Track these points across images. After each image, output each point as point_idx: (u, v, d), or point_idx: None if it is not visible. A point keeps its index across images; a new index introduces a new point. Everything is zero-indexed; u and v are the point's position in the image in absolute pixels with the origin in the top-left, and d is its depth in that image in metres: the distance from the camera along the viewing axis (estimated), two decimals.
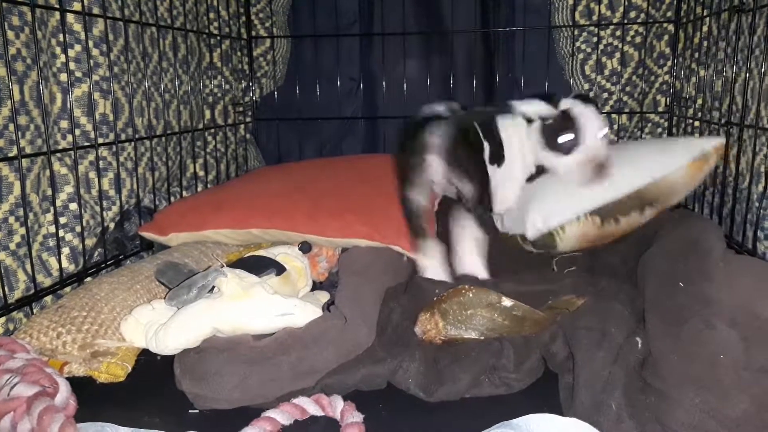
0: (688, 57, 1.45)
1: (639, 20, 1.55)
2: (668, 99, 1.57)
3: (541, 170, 1.10)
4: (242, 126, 1.71)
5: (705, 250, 0.87)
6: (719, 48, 1.23)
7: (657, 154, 1.09)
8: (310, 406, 0.69)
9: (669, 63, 1.56)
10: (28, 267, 0.93)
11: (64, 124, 1.03)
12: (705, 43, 1.32)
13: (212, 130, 1.52)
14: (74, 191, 1.03)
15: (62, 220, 1.02)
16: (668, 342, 0.70)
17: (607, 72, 1.59)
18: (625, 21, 1.55)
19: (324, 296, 0.96)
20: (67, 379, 0.73)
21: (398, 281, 0.96)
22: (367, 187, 1.17)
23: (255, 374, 0.72)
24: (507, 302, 0.81)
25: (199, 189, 1.44)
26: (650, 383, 0.67)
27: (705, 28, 1.32)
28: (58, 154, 1.01)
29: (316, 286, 1.04)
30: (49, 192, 0.98)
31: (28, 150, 0.93)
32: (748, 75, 1.09)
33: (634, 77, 1.59)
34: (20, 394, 0.67)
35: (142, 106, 1.21)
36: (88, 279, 1.04)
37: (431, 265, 1.01)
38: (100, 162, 1.09)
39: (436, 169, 1.04)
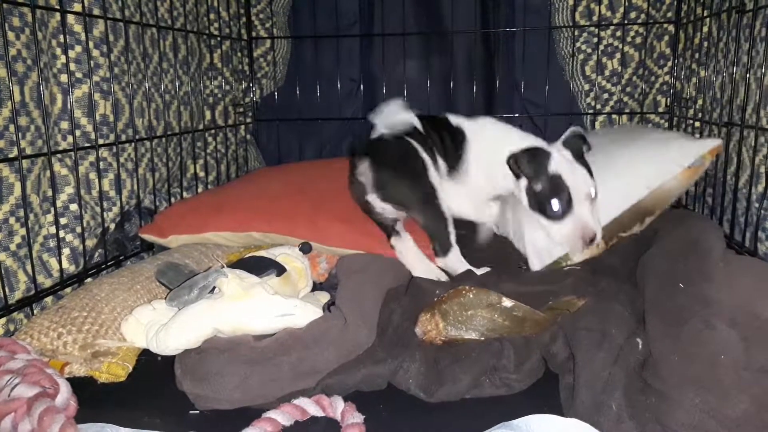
0: (688, 57, 1.45)
1: (639, 21, 1.55)
2: (668, 99, 1.57)
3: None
4: (242, 127, 1.71)
5: (705, 250, 0.87)
6: (719, 48, 1.23)
7: (651, 161, 1.08)
8: (311, 407, 0.69)
9: (669, 63, 1.56)
10: (29, 268, 0.93)
11: (65, 124, 1.03)
12: (705, 44, 1.32)
13: (212, 131, 1.52)
14: (75, 192, 1.03)
15: (63, 220, 1.02)
16: (668, 342, 0.70)
17: (607, 72, 1.59)
18: (626, 21, 1.55)
19: (324, 297, 0.96)
20: (68, 379, 0.73)
21: (398, 283, 0.97)
22: None
23: (256, 375, 0.73)
24: (507, 303, 0.81)
25: (199, 190, 1.44)
26: (650, 384, 0.67)
27: (705, 29, 1.32)
28: (59, 155, 1.01)
29: (316, 287, 1.04)
30: (50, 193, 0.98)
31: (28, 151, 0.93)
32: (748, 75, 1.09)
33: (634, 78, 1.59)
34: (21, 395, 0.67)
35: (142, 107, 1.22)
36: (89, 280, 1.04)
37: (409, 261, 1.02)
38: (101, 163, 1.09)
39: (375, 207, 1.08)
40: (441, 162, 1.11)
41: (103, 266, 1.09)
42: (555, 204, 0.98)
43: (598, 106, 1.61)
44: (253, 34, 1.73)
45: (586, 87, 1.61)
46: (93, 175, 1.08)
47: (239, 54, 1.67)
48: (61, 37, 1.00)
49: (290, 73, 1.75)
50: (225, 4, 1.57)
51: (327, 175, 1.28)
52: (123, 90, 1.15)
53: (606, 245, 1.08)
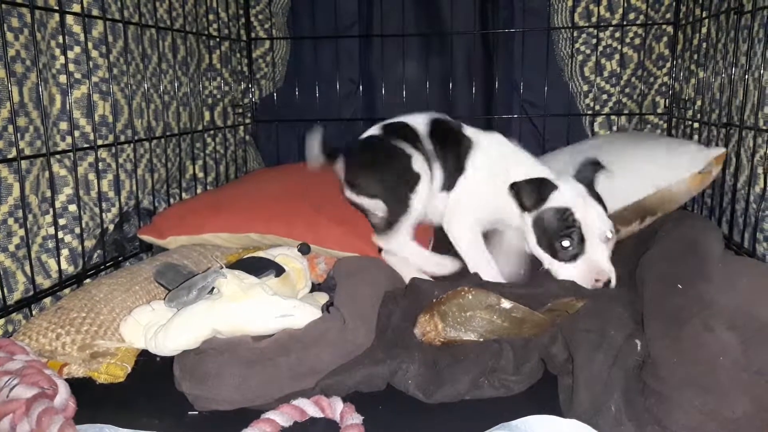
0: (687, 58, 1.45)
1: (638, 22, 1.55)
2: (667, 100, 1.58)
3: None
4: (242, 127, 1.71)
5: (704, 251, 0.87)
6: (718, 49, 1.23)
7: (662, 161, 1.09)
8: (310, 408, 0.69)
9: (668, 64, 1.56)
10: (28, 268, 0.93)
11: (64, 125, 1.03)
12: (704, 45, 1.32)
13: (211, 132, 1.52)
14: (73, 193, 1.03)
15: (61, 221, 1.02)
16: (667, 343, 0.70)
17: (606, 73, 1.59)
18: (624, 23, 1.55)
19: (323, 297, 0.96)
20: (67, 380, 0.73)
21: (395, 285, 0.97)
22: None
23: (255, 375, 0.72)
24: (506, 304, 0.81)
25: (198, 190, 1.44)
26: (649, 385, 0.67)
27: (704, 30, 1.33)
28: (58, 156, 1.01)
29: (314, 288, 1.04)
30: (49, 193, 0.98)
31: (27, 151, 0.93)
32: (746, 76, 1.09)
33: (633, 79, 1.59)
34: (19, 395, 0.67)
35: (141, 108, 1.22)
36: (88, 280, 1.04)
37: (395, 262, 1.01)
38: (100, 163, 1.09)
39: (355, 201, 1.08)
40: (437, 168, 1.08)
41: (101, 267, 1.09)
42: (566, 243, 0.91)
43: (597, 107, 1.61)
44: (252, 34, 1.73)
45: (585, 88, 1.61)
46: (92, 176, 1.08)
47: (238, 55, 1.67)
48: (60, 37, 1.00)
49: (289, 74, 1.75)
50: (224, 5, 1.57)
51: (326, 177, 1.28)
52: (122, 91, 1.15)
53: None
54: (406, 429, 0.69)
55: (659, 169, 1.08)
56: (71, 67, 1.03)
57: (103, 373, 0.78)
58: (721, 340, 0.68)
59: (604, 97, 1.61)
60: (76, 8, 1.02)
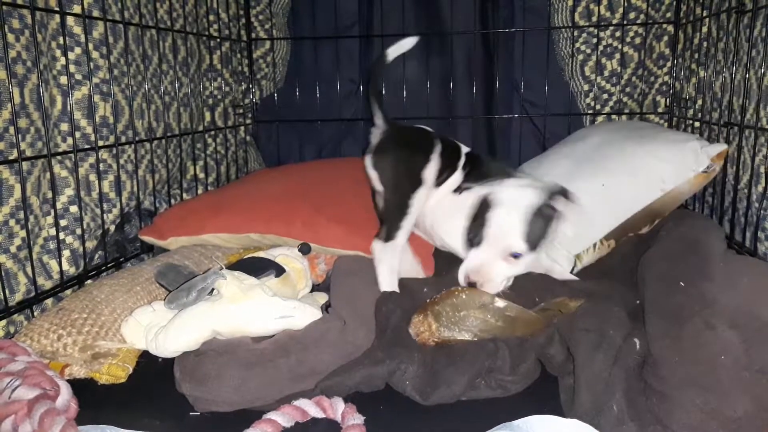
0: (687, 58, 1.45)
1: (638, 21, 1.55)
2: (668, 100, 1.57)
3: None
4: (242, 128, 1.71)
5: (705, 250, 0.87)
6: (719, 49, 1.23)
7: (667, 163, 1.09)
8: (311, 408, 0.69)
9: (668, 64, 1.56)
10: (29, 270, 0.93)
11: (65, 126, 1.03)
12: (705, 44, 1.32)
13: (212, 132, 1.52)
14: (74, 194, 1.03)
15: (63, 222, 1.02)
16: (669, 342, 0.70)
17: (606, 73, 1.59)
18: (625, 22, 1.55)
19: (322, 297, 0.96)
20: (68, 381, 0.73)
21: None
22: (366, 192, 1.17)
23: (255, 376, 0.73)
24: (500, 303, 0.81)
25: (199, 191, 1.44)
26: (651, 384, 0.67)
27: (704, 29, 1.32)
28: (59, 157, 1.01)
29: (314, 288, 1.04)
30: (50, 195, 0.98)
31: (28, 153, 0.93)
32: (748, 75, 1.09)
33: (633, 78, 1.59)
34: (21, 397, 0.67)
35: (142, 109, 1.22)
36: (89, 281, 1.04)
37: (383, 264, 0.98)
38: (101, 164, 1.09)
39: (369, 173, 1.09)
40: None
41: (103, 268, 1.09)
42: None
43: (598, 107, 1.61)
44: (253, 35, 1.73)
45: (586, 87, 1.61)
46: (93, 177, 1.08)
47: (239, 55, 1.67)
48: (61, 38, 1.00)
49: (290, 75, 1.75)
50: (224, 6, 1.57)
51: (326, 177, 1.28)
52: (123, 91, 1.15)
53: (615, 244, 1.08)
54: (407, 429, 0.69)
55: (664, 169, 1.08)
56: (72, 68, 1.03)
57: (104, 373, 0.78)
58: (723, 339, 0.68)
59: (605, 96, 1.61)
60: (77, 9, 1.02)
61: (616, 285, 0.92)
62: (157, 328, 0.81)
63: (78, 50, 1.04)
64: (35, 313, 0.94)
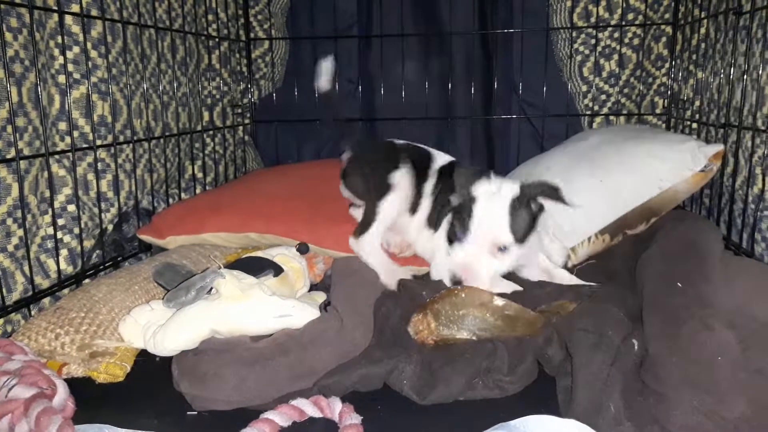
0: (685, 59, 1.45)
1: (637, 22, 1.55)
2: (666, 101, 1.58)
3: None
4: (241, 128, 1.71)
5: (703, 251, 0.87)
6: (716, 50, 1.23)
7: (665, 161, 1.09)
8: (309, 408, 0.69)
9: (667, 65, 1.56)
10: (26, 269, 0.93)
11: (63, 125, 1.03)
12: (702, 45, 1.33)
13: (211, 132, 1.52)
14: (72, 193, 1.03)
15: (60, 221, 1.02)
16: (666, 343, 0.70)
17: (605, 74, 1.60)
18: (623, 23, 1.55)
19: (321, 296, 0.96)
20: (66, 380, 0.73)
21: None
22: None
23: (253, 375, 0.72)
24: (499, 302, 0.81)
25: (197, 190, 1.44)
26: (648, 384, 0.68)
27: (702, 30, 1.33)
28: (57, 156, 1.01)
29: (312, 288, 1.04)
30: (48, 194, 0.98)
31: (26, 152, 0.93)
32: (745, 77, 1.09)
33: (632, 79, 1.59)
34: (18, 395, 0.67)
35: (140, 108, 1.22)
36: (87, 281, 1.04)
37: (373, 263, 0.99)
38: (99, 164, 1.09)
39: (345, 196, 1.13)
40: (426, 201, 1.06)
41: (101, 267, 1.09)
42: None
43: (596, 107, 1.62)
44: (252, 35, 1.73)
45: (584, 88, 1.61)
46: (91, 176, 1.08)
47: (237, 55, 1.67)
48: (59, 37, 1.00)
49: (288, 75, 1.75)
50: (223, 6, 1.57)
51: (324, 177, 1.28)
52: (121, 91, 1.15)
53: (611, 240, 1.08)
54: (404, 429, 0.69)
55: (662, 167, 1.08)
56: (70, 67, 1.03)
57: (102, 372, 0.78)
58: (720, 339, 0.69)
59: (603, 97, 1.61)
60: (75, 8, 1.02)
61: (617, 287, 0.92)
62: (155, 327, 0.81)
63: (76, 49, 1.04)
64: (33, 312, 0.94)
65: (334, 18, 1.69)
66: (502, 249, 0.88)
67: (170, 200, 1.31)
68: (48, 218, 0.99)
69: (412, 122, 1.70)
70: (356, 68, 1.72)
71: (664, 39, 1.56)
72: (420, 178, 1.06)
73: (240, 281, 0.83)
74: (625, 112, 1.61)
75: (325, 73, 1.17)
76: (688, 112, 1.42)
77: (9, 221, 0.91)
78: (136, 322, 0.83)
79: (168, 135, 1.31)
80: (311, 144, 1.78)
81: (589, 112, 1.62)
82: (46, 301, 0.97)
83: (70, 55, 1.03)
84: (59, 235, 1.01)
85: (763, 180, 1.02)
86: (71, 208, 1.04)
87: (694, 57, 1.39)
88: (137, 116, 1.20)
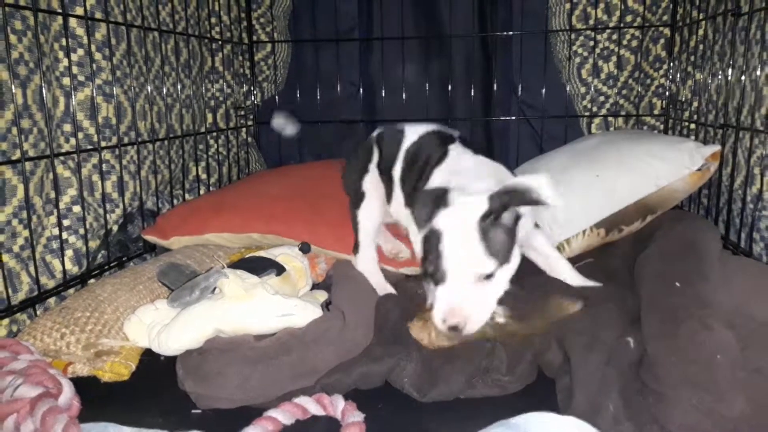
0: (684, 60, 1.46)
1: (635, 24, 1.56)
2: (664, 102, 1.58)
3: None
4: (244, 129, 1.72)
5: (702, 251, 0.88)
6: (715, 51, 1.24)
7: (663, 159, 1.10)
8: (312, 406, 0.70)
9: (665, 66, 1.57)
10: (32, 269, 0.94)
11: (67, 127, 1.04)
12: (701, 47, 1.33)
13: (214, 134, 1.53)
14: (77, 194, 1.04)
15: (65, 222, 1.03)
16: (665, 342, 0.70)
17: (603, 75, 1.60)
18: (622, 25, 1.56)
19: (322, 295, 0.97)
20: (71, 379, 0.74)
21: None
22: None
23: (256, 374, 0.73)
24: (500, 319, 0.80)
25: (201, 192, 1.45)
26: (648, 384, 0.68)
27: (701, 32, 1.34)
28: (62, 158, 1.02)
29: (314, 286, 1.04)
30: (53, 195, 0.99)
31: (31, 153, 0.94)
32: (743, 78, 1.10)
33: (630, 80, 1.60)
34: (24, 395, 0.67)
35: (144, 110, 1.22)
36: (92, 281, 1.05)
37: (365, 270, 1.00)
38: (103, 165, 1.10)
39: None
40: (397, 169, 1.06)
41: (105, 267, 1.09)
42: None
43: (595, 109, 1.62)
44: (254, 38, 1.74)
45: (583, 90, 1.62)
46: (96, 177, 1.09)
47: (240, 58, 1.68)
48: (64, 40, 1.01)
49: (291, 77, 1.76)
50: (226, 9, 1.58)
51: (326, 178, 1.29)
52: (125, 93, 1.16)
53: (606, 235, 1.09)
54: (406, 426, 0.70)
55: (660, 166, 1.09)
56: (74, 69, 1.04)
57: (107, 371, 0.79)
58: (719, 338, 0.69)
59: (602, 98, 1.62)
60: (79, 11, 1.03)
61: (617, 287, 0.93)
62: (160, 326, 0.82)
63: (81, 52, 1.05)
64: (38, 312, 0.94)
65: (335, 21, 1.69)
66: (488, 276, 0.78)
67: (174, 201, 1.32)
68: (53, 219, 1.00)
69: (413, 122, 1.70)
70: (357, 70, 1.73)
71: (662, 41, 1.56)
72: (389, 163, 1.08)
73: (243, 281, 0.84)
74: (623, 113, 1.62)
75: (279, 127, 1.27)
76: (687, 113, 1.42)
77: (15, 222, 0.91)
78: (141, 321, 0.84)
79: (172, 137, 1.32)
80: (313, 145, 1.78)
81: (587, 114, 1.63)
82: (52, 301, 0.98)
83: (74, 57, 1.04)
84: (64, 235, 1.02)
85: (761, 180, 1.03)
86: (76, 209, 1.04)
87: (692, 58, 1.39)
88: (141, 118, 1.21)
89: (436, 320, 0.78)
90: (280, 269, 0.93)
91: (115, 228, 1.14)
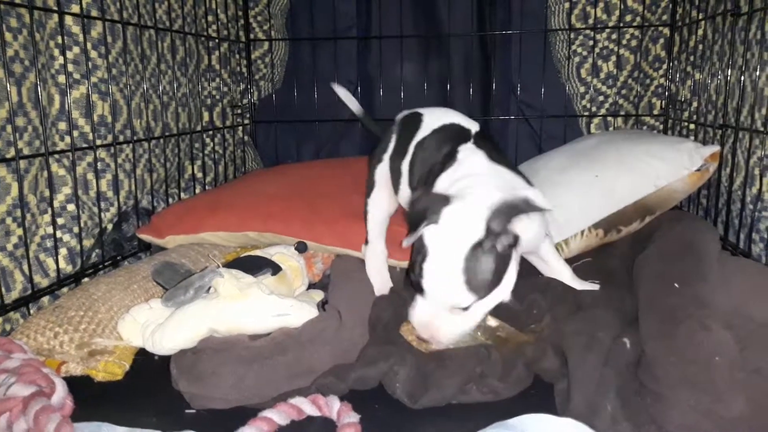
0: (683, 60, 1.46)
1: (635, 24, 1.56)
2: (663, 102, 1.58)
3: None
4: (240, 128, 1.71)
5: (700, 251, 0.87)
6: (714, 51, 1.24)
7: (662, 159, 1.10)
8: (307, 406, 0.69)
9: (664, 66, 1.57)
10: (26, 268, 0.93)
11: (63, 125, 1.03)
12: (700, 47, 1.33)
13: (210, 132, 1.52)
14: (72, 192, 1.04)
15: (60, 221, 1.02)
16: (663, 343, 0.70)
17: (602, 75, 1.60)
18: (621, 24, 1.56)
19: (319, 295, 0.96)
20: (65, 378, 0.73)
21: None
22: (362, 191, 1.18)
23: (251, 374, 0.73)
24: (492, 322, 0.80)
25: (197, 190, 1.44)
26: (646, 384, 0.68)
27: (700, 32, 1.33)
28: (56, 156, 1.01)
29: (311, 286, 1.04)
30: (47, 193, 0.99)
31: (26, 151, 0.94)
32: (743, 78, 1.09)
33: (629, 80, 1.60)
34: (16, 394, 0.67)
35: (140, 108, 1.22)
36: (86, 279, 1.04)
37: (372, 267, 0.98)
38: (99, 163, 1.09)
39: None
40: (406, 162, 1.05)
41: (100, 266, 1.09)
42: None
43: (594, 109, 1.62)
44: (251, 36, 1.73)
45: (582, 89, 1.61)
46: (91, 176, 1.08)
47: (237, 56, 1.68)
48: (59, 38, 1.00)
49: (288, 75, 1.76)
50: (223, 6, 1.58)
51: (323, 176, 1.29)
52: (121, 91, 1.15)
53: (605, 236, 1.09)
54: (402, 428, 0.69)
55: (659, 166, 1.09)
56: (70, 67, 1.03)
57: (101, 371, 0.78)
58: (717, 339, 0.69)
59: (601, 98, 1.62)
60: (75, 9, 1.02)
61: (615, 288, 0.92)
62: (154, 325, 0.82)
63: (76, 49, 1.04)
64: (32, 311, 0.94)
65: (333, 19, 1.69)
66: (465, 308, 0.75)
67: (170, 200, 1.31)
68: (47, 217, 0.99)
69: None
70: (355, 69, 1.73)
71: (661, 40, 1.56)
72: (401, 154, 1.07)
73: (238, 280, 0.83)
74: (622, 113, 1.62)
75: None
76: (686, 113, 1.42)
77: (8, 220, 0.91)
78: (135, 320, 0.84)
79: (168, 135, 1.31)
80: (310, 144, 1.78)
81: (587, 113, 1.62)
82: (45, 299, 0.97)
83: (70, 55, 1.03)
84: (59, 234, 1.01)
85: (761, 180, 1.02)
86: (71, 207, 1.04)
87: (691, 58, 1.39)
88: (137, 116, 1.21)
89: (413, 322, 0.77)
90: (275, 269, 0.92)
91: (110, 227, 1.13)
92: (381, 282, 0.95)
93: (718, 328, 0.70)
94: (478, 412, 0.71)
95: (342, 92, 1.38)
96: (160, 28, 1.27)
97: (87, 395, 0.74)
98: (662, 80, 1.58)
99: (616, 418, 0.65)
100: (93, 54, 1.07)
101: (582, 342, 0.73)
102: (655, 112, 1.60)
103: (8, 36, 0.89)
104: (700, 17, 1.33)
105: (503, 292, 0.77)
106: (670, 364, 0.68)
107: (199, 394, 0.72)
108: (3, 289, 0.89)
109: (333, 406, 0.69)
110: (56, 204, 1.01)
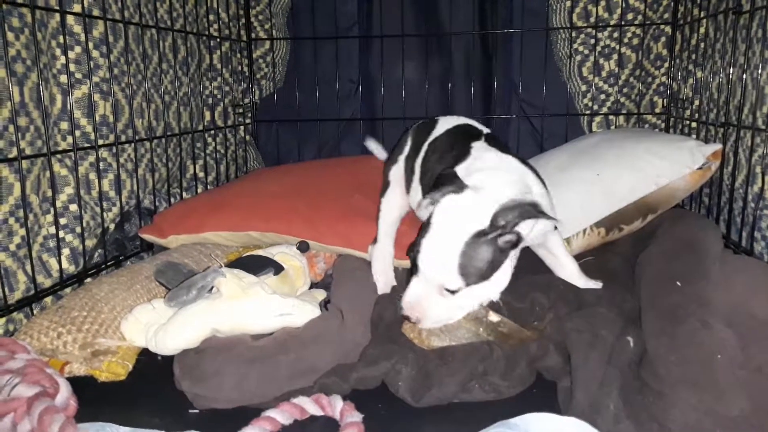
0: (685, 58, 1.46)
1: (636, 22, 1.56)
2: (665, 100, 1.58)
3: None
4: (242, 127, 1.71)
5: (702, 249, 0.87)
6: (716, 49, 1.23)
7: (664, 158, 1.10)
8: (310, 406, 0.70)
9: (666, 64, 1.57)
10: (29, 268, 0.93)
11: (65, 125, 1.03)
12: (702, 45, 1.33)
13: (212, 132, 1.52)
14: (74, 192, 1.04)
15: (62, 221, 1.02)
16: (665, 341, 0.70)
17: (604, 73, 1.60)
18: (623, 23, 1.56)
19: (321, 294, 0.96)
20: (68, 379, 0.74)
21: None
22: (364, 190, 1.18)
23: (254, 374, 0.73)
24: (494, 317, 0.80)
25: (199, 190, 1.45)
26: (647, 383, 0.68)
27: (702, 30, 1.33)
28: (59, 156, 1.01)
29: (313, 286, 1.04)
30: (50, 193, 0.99)
31: (28, 151, 0.94)
32: (744, 76, 1.09)
33: (631, 79, 1.60)
34: (21, 394, 0.67)
35: (142, 108, 1.22)
36: (89, 280, 1.04)
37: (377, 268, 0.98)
38: (101, 163, 1.09)
39: None
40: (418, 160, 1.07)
41: (102, 266, 1.09)
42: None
43: (595, 107, 1.62)
44: (253, 35, 1.73)
45: (584, 88, 1.61)
46: (93, 176, 1.08)
47: (239, 55, 1.68)
48: (61, 37, 1.00)
49: (289, 75, 1.76)
50: (224, 6, 1.57)
51: (325, 175, 1.29)
52: (123, 91, 1.15)
53: (606, 234, 1.09)
54: (405, 427, 0.69)
55: (661, 164, 1.09)
56: (72, 67, 1.03)
57: (104, 371, 0.78)
58: (719, 337, 0.69)
59: (603, 97, 1.62)
60: (77, 8, 1.02)
61: (617, 287, 0.92)
62: (157, 325, 0.82)
63: (78, 49, 1.04)
64: (35, 311, 0.94)
65: (334, 18, 1.69)
66: (452, 291, 0.76)
67: (172, 200, 1.32)
68: (50, 217, 0.99)
69: (412, 122, 1.70)
70: (356, 68, 1.73)
71: (663, 39, 1.56)
72: (415, 154, 1.09)
73: (241, 280, 0.83)
74: (624, 111, 1.62)
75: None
76: (688, 112, 1.42)
77: (11, 220, 0.91)
78: (138, 320, 0.84)
79: (170, 135, 1.31)
80: (312, 143, 1.78)
81: (588, 112, 1.62)
82: (48, 300, 0.97)
83: (71, 55, 1.03)
84: (61, 234, 1.01)
85: (763, 179, 1.02)
86: (73, 207, 1.04)
87: (693, 57, 1.39)
88: (139, 116, 1.21)
89: (403, 304, 0.79)
90: (278, 268, 0.92)
91: (112, 227, 1.14)
92: (385, 281, 0.95)
93: (719, 326, 0.70)
94: (480, 411, 0.71)
95: (372, 145, 1.45)
96: (161, 27, 1.27)
97: (90, 395, 0.74)
98: (664, 78, 1.58)
99: (619, 417, 0.65)
100: (95, 53, 1.07)
101: (585, 340, 0.73)
102: (657, 110, 1.60)
103: (10, 36, 0.89)
104: (702, 15, 1.33)
105: (493, 289, 0.79)
106: (671, 362, 0.68)
107: (202, 394, 0.72)
108: (6, 290, 0.89)
109: (336, 406, 0.69)
110: (59, 204, 1.01)
